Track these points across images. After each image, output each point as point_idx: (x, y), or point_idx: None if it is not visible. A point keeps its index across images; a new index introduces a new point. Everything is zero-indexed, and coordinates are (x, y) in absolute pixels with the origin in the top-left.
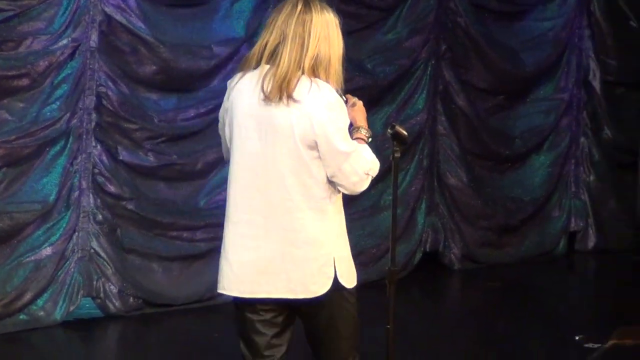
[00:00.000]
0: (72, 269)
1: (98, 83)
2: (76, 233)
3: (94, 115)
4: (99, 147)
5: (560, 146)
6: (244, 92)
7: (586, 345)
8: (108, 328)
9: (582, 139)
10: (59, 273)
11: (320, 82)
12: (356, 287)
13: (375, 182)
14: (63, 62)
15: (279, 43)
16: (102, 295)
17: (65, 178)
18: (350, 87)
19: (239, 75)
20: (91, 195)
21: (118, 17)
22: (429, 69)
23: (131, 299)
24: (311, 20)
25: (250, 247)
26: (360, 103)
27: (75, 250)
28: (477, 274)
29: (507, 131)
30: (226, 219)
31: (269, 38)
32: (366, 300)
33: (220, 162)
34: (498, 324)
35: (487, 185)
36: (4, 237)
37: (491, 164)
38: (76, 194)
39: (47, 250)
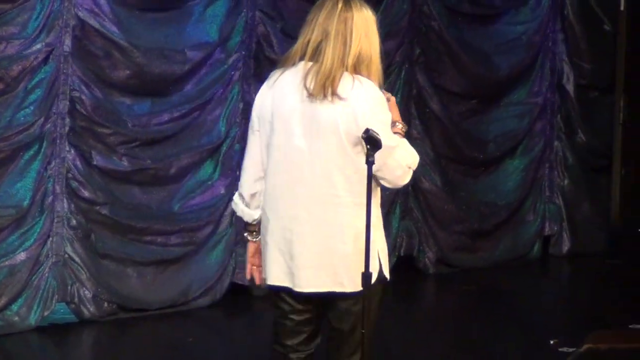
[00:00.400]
0: (47, 274)
1: (72, 88)
2: (50, 238)
3: (67, 120)
4: (72, 151)
5: (534, 150)
6: (287, 89)
7: (560, 349)
8: (82, 333)
9: (556, 143)
10: (33, 278)
11: (362, 79)
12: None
13: None
14: (37, 66)
15: (321, 40)
16: (76, 300)
17: (39, 183)
18: None
19: (278, 72)
20: (65, 200)
21: (91, 21)
22: (403, 73)
23: (105, 304)
24: (352, 18)
25: (297, 242)
26: (393, 98)
27: (50, 255)
28: (451, 278)
29: (480, 135)
30: (269, 212)
31: (311, 36)
32: None
33: (194, 167)
34: (472, 328)
35: (461, 189)
36: None
37: (465, 168)
38: (50, 198)
39: (21, 256)
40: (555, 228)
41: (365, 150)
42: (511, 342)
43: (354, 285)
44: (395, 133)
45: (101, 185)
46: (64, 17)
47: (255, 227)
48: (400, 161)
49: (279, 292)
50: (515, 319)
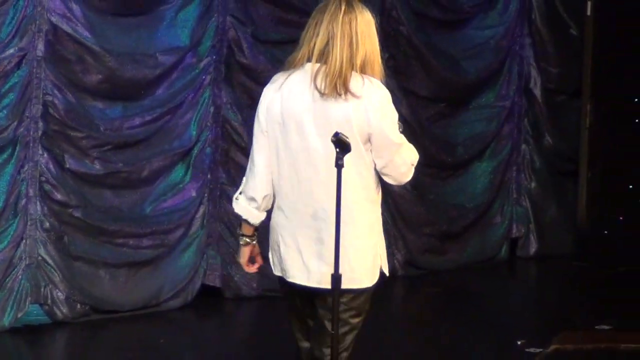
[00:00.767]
0: (20, 276)
1: (44, 92)
2: (24, 240)
3: (40, 124)
4: (45, 155)
5: (501, 153)
6: (297, 90)
7: (528, 350)
8: (56, 334)
9: (524, 146)
10: (7, 280)
11: (372, 78)
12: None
13: None
14: (10, 71)
15: (327, 42)
16: (49, 301)
17: (13, 186)
18: None
19: (284, 74)
20: (38, 203)
21: (64, 26)
22: None
23: (78, 306)
24: (356, 19)
25: (314, 238)
26: None
27: (23, 258)
28: (420, 280)
29: (449, 138)
30: (288, 212)
31: (316, 39)
32: None
33: (166, 170)
34: (441, 330)
35: (430, 192)
36: None
37: (434, 171)
38: (23, 201)
39: None
40: (523, 230)
41: (337, 155)
42: (479, 343)
43: (366, 280)
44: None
45: (74, 188)
46: (37, 22)
47: (256, 231)
48: (406, 158)
49: (294, 288)
50: (483, 320)
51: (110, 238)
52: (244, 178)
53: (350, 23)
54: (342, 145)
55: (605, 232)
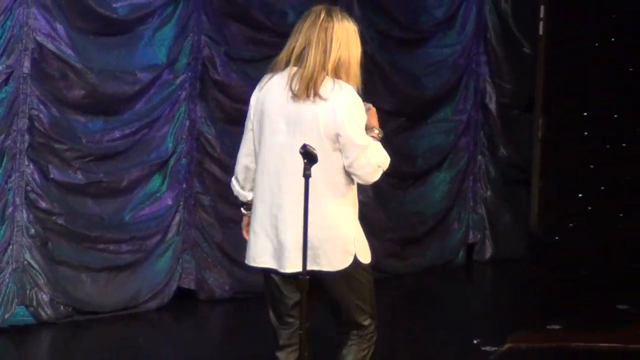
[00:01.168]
0: (7, 279)
1: (30, 107)
2: (11, 246)
3: (26, 137)
4: (31, 166)
5: (459, 164)
6: (274, 91)
7: (484, 348)
8: (40, 334)
9: (480, 158)
10: None
11: (342, 83)
12: (370, 264)
13: None
14: None
15: (304, 47)
16: (34, 303)
17: (0, 195)
18: None
19: (268, 76)
20: (24, 211)
21: (49, 45)
22: None
23: (62, 307)
24: (332, 28)
25: (281, 228)
26: (373, 108)
27: (10, 262)
28: (383, 284)
29: (410, 150)
30: (257, 201)
31: (295, 43)
32: None
33: (144, 180)
34: (403, 330)
35: (392, 200)
36: None
37: (395, 181)
38: (10, 209)
39: None
40: (479, 236)
41: (304, 165)
42: (439, 342)
43: (330, 265)
44: (370, 137)
45: (58, 197)
46: (24, 41)
47: (249, 205)
48: (370, 160)
49: (267, 273)
50: (442, 320)
51: (92, 244)
52: None
53: (327, 31)
54: (309, 157)
55: (557, 237)
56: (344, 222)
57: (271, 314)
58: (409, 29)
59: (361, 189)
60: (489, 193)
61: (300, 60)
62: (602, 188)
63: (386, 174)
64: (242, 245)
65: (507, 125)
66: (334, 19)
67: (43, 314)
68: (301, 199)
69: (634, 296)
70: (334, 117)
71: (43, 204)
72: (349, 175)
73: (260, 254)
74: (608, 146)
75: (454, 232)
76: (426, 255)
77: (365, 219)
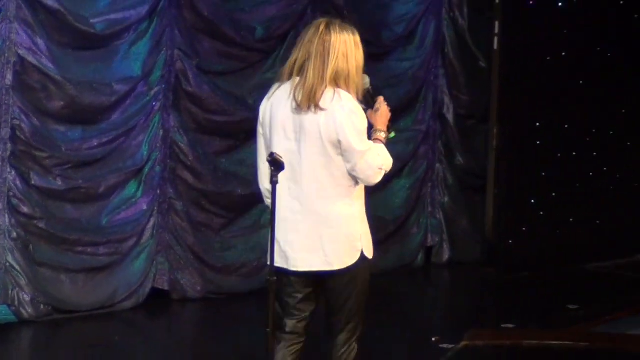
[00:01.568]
0: None
1: (13, 117)
2: None
3: (9, 145)
4: (13, 172)
5: (418, 171)
6: (281, 101)
7: (441, 346)
8: (22, 332)
9: (438, 165)
10: None
11: (342, 92)
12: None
13: (257, 202)
14: None
15: (305, 59)
16: (16, 303)
17: None
18: (233, 120)
19: (275, 86)
20: (7, 215)
21: (30, 58)
22: None
23: (42, 306)
24: (330, 41)
25: (292, 229)
26: (384, 108)
27: None
28: None
29: None
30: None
31: (297, 55)
32: (248, 307)
33: (120, 186)
34: (364, 328)
35: None
36: None
37: None
38: None
39: None
40: (437, 239)
41: (272, 173)
42: (397, 340)
43: (340, 263)
44: (375, 139)
45: (39, 202)
46: (6, 54)
47: None
48: (371, 163)
49: (276, 271)
50: (402, 319)
51: (71, 246)
52: None
53: (325, 43)
54: (276, 165)
55: (510, 241)
56: (351, 221)
57: (278, 307)
58: (371, 43)
59: None
60: (446, 199)
61: (301, 72)
62: (554, 194)
63: None
64: (212, 248)
65: (464, 135)
66: (332, 32)
67: (24, 312)
68: (309, 203)
69: (584, 296)
70: (334, 125)
71: (25, 209)
72: (353, 177)
73: (278, 254)
74: (559, 154)
75: (413, 235)
76: (387, 258)
77: None
